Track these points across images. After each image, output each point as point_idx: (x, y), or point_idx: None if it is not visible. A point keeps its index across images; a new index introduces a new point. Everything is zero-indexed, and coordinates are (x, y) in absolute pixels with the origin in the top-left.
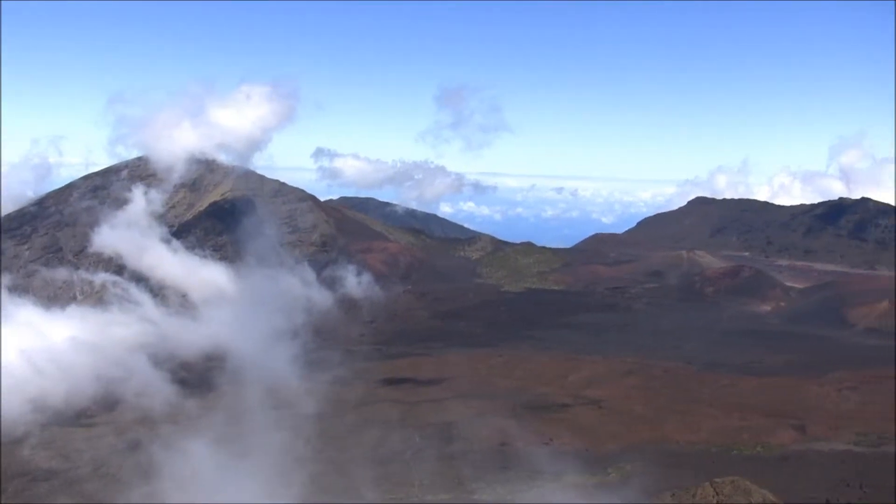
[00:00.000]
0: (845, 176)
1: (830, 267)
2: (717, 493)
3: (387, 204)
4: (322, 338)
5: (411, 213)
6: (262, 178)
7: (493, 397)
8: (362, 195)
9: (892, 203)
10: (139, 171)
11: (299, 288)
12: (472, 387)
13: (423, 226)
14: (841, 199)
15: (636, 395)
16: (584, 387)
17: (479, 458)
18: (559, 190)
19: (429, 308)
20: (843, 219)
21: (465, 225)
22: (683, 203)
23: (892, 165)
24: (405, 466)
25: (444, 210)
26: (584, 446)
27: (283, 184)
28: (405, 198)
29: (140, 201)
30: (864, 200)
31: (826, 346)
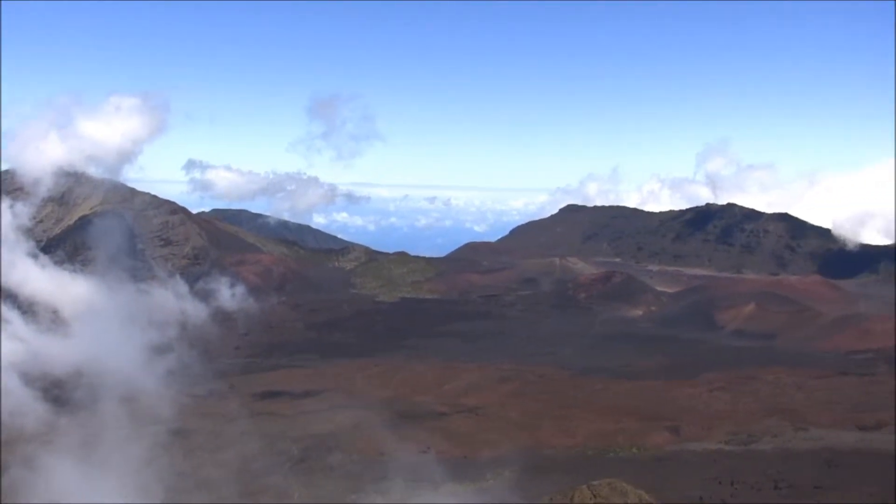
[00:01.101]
0: (712, 182)
1: (699, 271)
2: (595, 496)
3: (259, 215)
4: (196, 351)
5: (284, 225)
6: (132, 190)
7: (369, 407)
8: (234, 207)
9: (757, 208)
10: (5, 185)
11: (172, 301)
12: (349, 397)
13: (296, 237)
14: (708, 204)
15: (512, 401)
16: (460, 394)
17: (358, 469)
18: (432, 199)
19: (303, 319)
20: (711, 224)
21: (339, 235)
22: (555, 211)
23: (757, 172)
24: (283, 479)
25: (318, 221)
26: (461, 454)
27: (154, 196)
28: (278, 209)
29: (6, 215)
30: (731, 206)
31: (696, 349)
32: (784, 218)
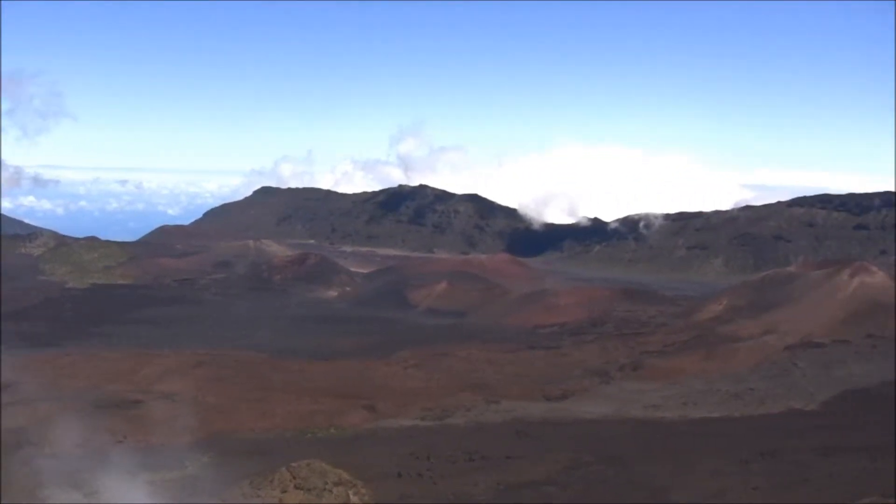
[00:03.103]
0: (404, 164)
1: (392, 251)
2: (295, 477)
3: None
4: None
5: None
6: None
7: (62, 399)
8: None
9: (448, 189)
10: None
11: None
12: (40, 389)
13: None
14: (400, 186)
15: (209, 386)
16: (155, 381)
17: (53, 464)
18: (123, 182)
19: None
20: (403, 205)
21: (26, 220)
22: (249, 193)
23: (448, 153)
24: None
25: (3, 206)
26: (159, 441)
27: None
28: None
29: None
30: (423, 187)
31: (391, 328)
32: (473, 199)
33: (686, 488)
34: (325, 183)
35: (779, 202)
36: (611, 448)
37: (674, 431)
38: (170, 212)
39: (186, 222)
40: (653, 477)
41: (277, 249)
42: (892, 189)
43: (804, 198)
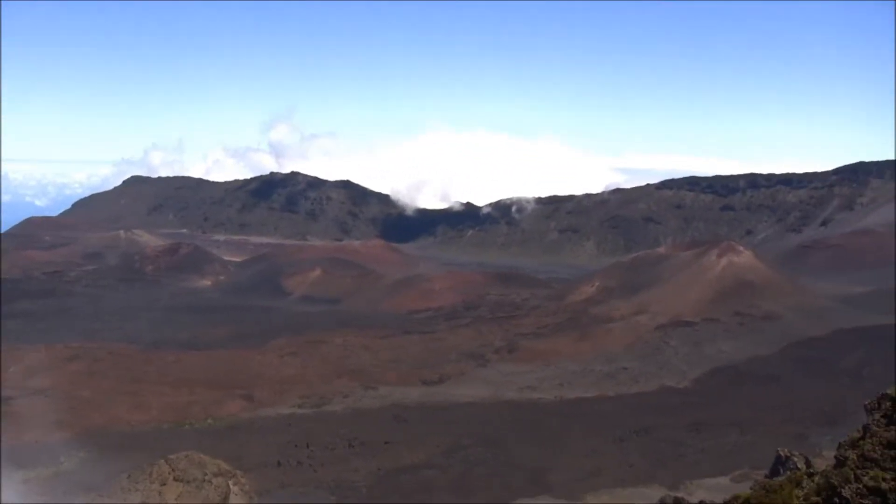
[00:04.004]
0: (276, 151)
1: (265, 239)
2: (173, 469)
3: None
4: None
5: None
6: None
7: None
8: None
9: (321, 176)
10: None
11: None
12: None
13: None
14: (272, 173)
15: (82, 380)
16: (27, 377)
17: None
18: None
19: None
20: (275, 192)
21: None
22: (119, 183)
23: (320, 140)
24: None
25: None
26: (33, 438)
27: None
28: None
29: None
30: (295, 174)
31: (266, 316)
32: (346, 185)
33: (564, 468)
34: (196, 171)
35: (648, 185)
36: (488, 430)
37: (550, 412)
38: (37, 203)
39: (55, 213)
40: (531, 457)
41: (149, 239)
42: (756, 171)
43: (672, 180)
